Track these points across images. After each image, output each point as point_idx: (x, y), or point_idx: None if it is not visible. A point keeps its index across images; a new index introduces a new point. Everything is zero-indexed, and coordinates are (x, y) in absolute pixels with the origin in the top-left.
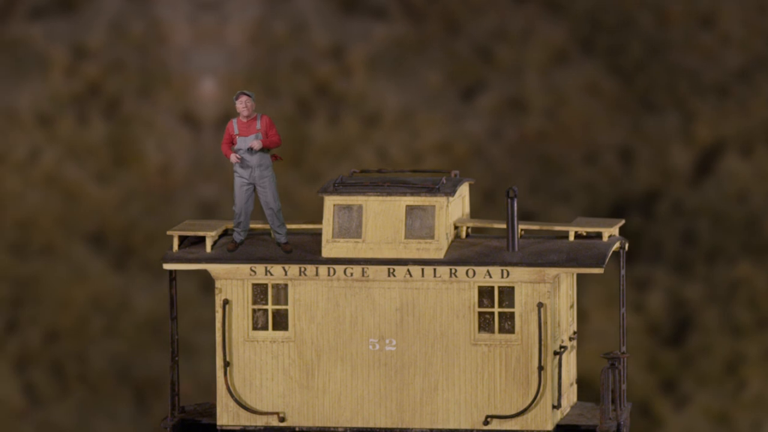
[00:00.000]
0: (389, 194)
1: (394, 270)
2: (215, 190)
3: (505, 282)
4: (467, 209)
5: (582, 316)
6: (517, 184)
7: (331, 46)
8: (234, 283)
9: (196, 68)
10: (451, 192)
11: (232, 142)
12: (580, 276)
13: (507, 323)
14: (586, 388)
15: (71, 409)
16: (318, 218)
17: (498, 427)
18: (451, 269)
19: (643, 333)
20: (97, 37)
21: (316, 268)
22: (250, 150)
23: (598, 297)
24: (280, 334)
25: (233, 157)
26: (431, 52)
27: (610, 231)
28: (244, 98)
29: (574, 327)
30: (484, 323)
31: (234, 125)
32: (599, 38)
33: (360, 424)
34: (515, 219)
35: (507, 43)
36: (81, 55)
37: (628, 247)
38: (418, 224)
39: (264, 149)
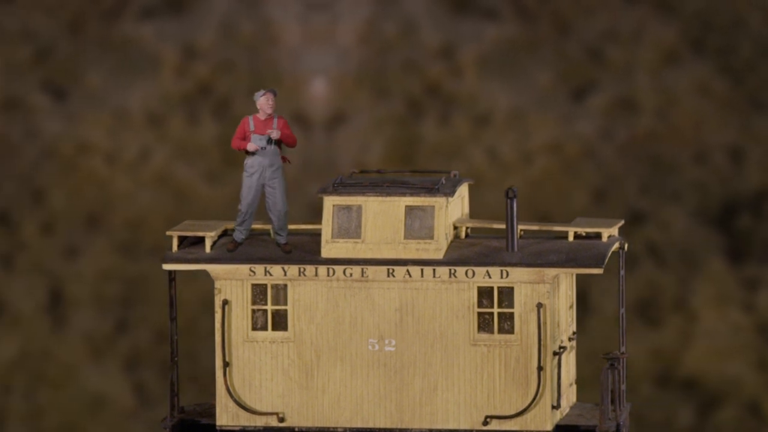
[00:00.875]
0: (388, 194)
1: (393, 270)
2: None
3: (504, 282)
4: (467, 209)
5: (692, 316)
6: (628, 185)
7: (441, 46)
8: (233, 283)
9: (306, 69)
10: (450, 192)
11: (245, 140)
12: (688, 272)
13: (506, 323)
14: (697, 388)
15: None
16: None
17: (497, 428)
18: (450, 269)
19: (754, 332)
20: (207, 37)
21: (316, 269)
22: (269, 140)
23: (709, 296)
24: (279, 334)
25: (251, 146)
26: (542, 53)
27: (610, 231)
28: (270, 96)
29: (574, 327)
30: (484, 323)
31: (250, 122)
32: (710, 38)
33: (359, 425)
34: (515, 219)
35: (618, 43)
36: (191, 55)
37: (628, 247)
38: (417, 224)
39: (278, 143)
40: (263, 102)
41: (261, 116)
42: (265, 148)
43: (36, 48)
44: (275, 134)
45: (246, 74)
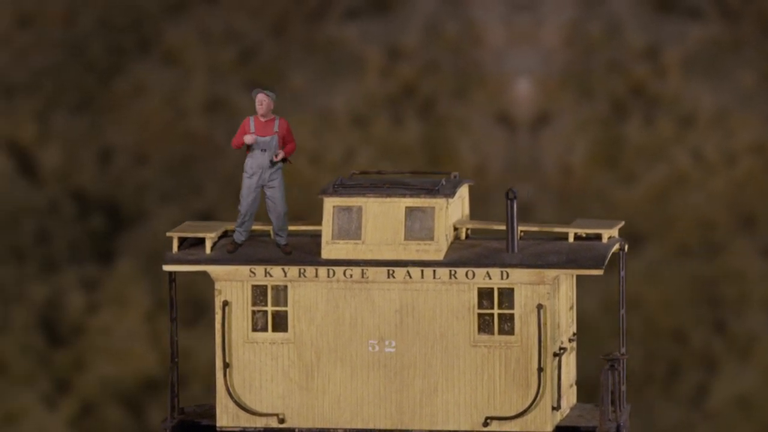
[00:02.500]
0: (389, 195)
1: (393, 271)
2: (531, 192)
3: (504, 283)
4: (467, 210)
5: None
6: None
7: (646, 47)
8: (233, 284)
9: (510, 69)
10: (450, 193)
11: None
12: None
13: (506, 325)
14: None
15: None
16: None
17: (497, 429)
18: (450, 271)
19: None
20: (411, 38)
21: (316, 270)
22: (271, 160)
23: None
24: (279, 335)
25: (248, 138)
26: (746, 52)
27: (610, 232)
28: (261, 97)
29: (574, 328)
30: (484, 325)
31: (251, 123)
32: None
33: (359, 426)
34: (515, 220)
35: None
36: (396, 56)
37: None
38: (417, 226)
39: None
40: (256, 104)
41: (260, 117)
42: (264, 150)
43: (240, 49)
44: (279, 156)
45: (450, 75)
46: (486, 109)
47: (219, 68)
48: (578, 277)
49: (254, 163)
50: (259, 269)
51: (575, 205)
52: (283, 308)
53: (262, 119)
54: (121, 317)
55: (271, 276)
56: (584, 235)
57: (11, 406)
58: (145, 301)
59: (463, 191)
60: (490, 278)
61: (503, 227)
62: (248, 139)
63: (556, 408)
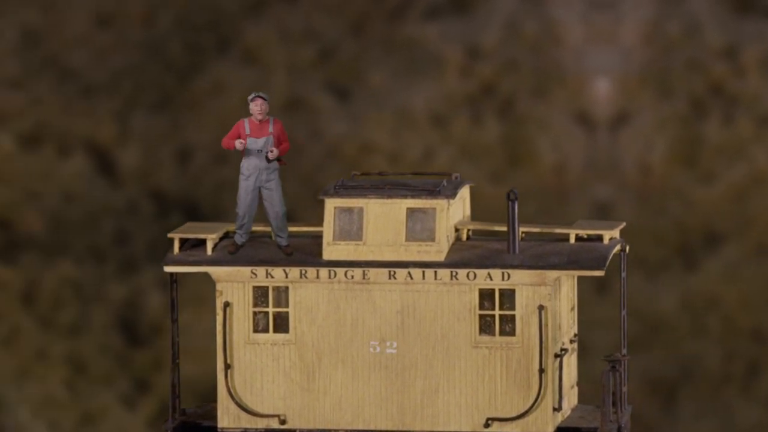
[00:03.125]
0: (390, 197)
1: (394, 272)
2: (610, 191)
3: (505, 284)
4: (468, 211)
5: None
6: None
7: (725, 46)
8: (235, 285)
9: (590, 68)
10: (451, 194)
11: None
12: None
13: (508, 326)
14: None
15: None
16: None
17: (499, 430)
18: (451, 272)
19: None
20: (491, 37)
21: (317, 271)
22: (266, 157)
23: None
24: (280, 336)
25: (239, 144)
26: None
27: (611, 233)
28: (259, 101)
29: (575, 329)
30: (485, 326)
31: (246, 125)
32: None
33: (361, 427)
34: (516, 221)
35: None
36: (475, 55)
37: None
38: (418, 227)
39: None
40: (252, 107)
41: (255, 120)
42: (260, 151)
43: (319, 48)
44: (272, 155)
45: (529, 74)
46: (565, 108)
47: (298, 67)
48: (652, 274)
49: (250, 164)
50: (261, 270)
51: (654, 204)
52: (285, 309)
53: (257, 121)
54: (199, 316)
55: (272, 277)
56: (585, 237)
57: (90, 406)
58: None
59: (464, 192)
60: (491, 279)
61: (504, 228)
62: (239, 145)
63: (558, 409)
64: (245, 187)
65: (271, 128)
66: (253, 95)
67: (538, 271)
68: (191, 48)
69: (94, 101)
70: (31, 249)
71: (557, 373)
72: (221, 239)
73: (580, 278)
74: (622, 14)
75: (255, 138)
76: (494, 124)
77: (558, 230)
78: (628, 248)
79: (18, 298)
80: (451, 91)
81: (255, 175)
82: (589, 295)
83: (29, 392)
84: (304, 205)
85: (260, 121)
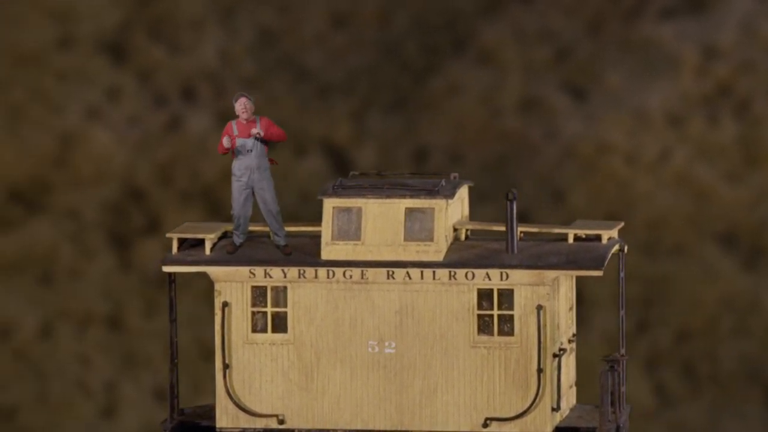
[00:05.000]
0: (388, 196)
1: (393, 272)
2: None
3: (504, 284)
4: (466, 211)
5: None
6: None
7: None
8: (233, 285)
9: None
10: (450, 194)
11: (231, 143)
12: None
13: (506, 326)
14: None
15: (702, 409)
16: None
17: (497, 430)
18: (450, 272)
19: None
20: (727, 37)
21: (316, 271)
22: (256, 139)
23: None
24: (279, 336)
25: (225, 141)
26: None
27: (610, 233)
28: (243, 100)
29: (574, 329)
30: (484, 326)
31: (233, 127)
32: None
33: (359, 426)
34: (514, 221)
35: None
36: (711, 55)
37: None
38: (417, 226)
39: (264, 143)
40: (237, 108)
41: (242, 120)
42: (250, 150)
43: (556, 48)
44: (259, 133)
45: (766, 74)
46: None
47: (534, 67)
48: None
49: (241, 164)
50: (259, 270)
51: None
52: (283, 309)
53: (244, 121)
54: None
55: (270, 277)
56: (584, 236)
57: None
58: None
59: (463, 192)
60: (489, 279)
61: (503, 228)
62: (226, 142)
63: (556, 409)
64: (237, 187)
65: (258, 127)
66: (236, 95)
67: (537, 271)
68: (426, 48)
69: (330, 101)
70: None
71: (556, 373)
72: (220, 239)
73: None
74: None
75: (243, 138)
76: (730, 125)
77: (556, 230)
78: (626, 248)
79: None
80: (687, 91)
81: (247, 175)
82: None
83: None
84: (538, 205)
85: (247, 120)
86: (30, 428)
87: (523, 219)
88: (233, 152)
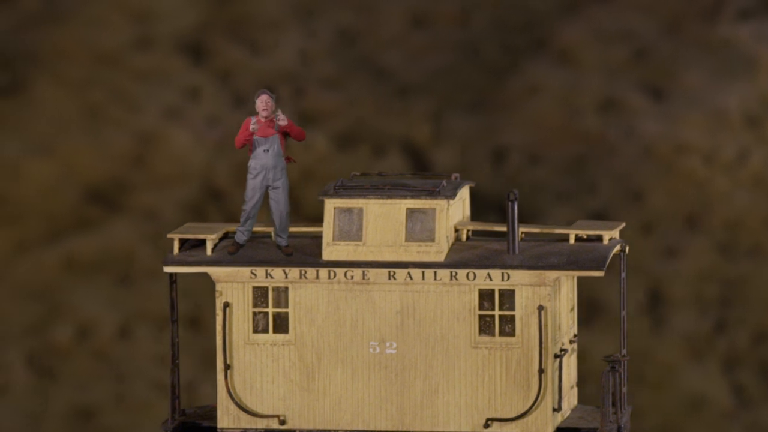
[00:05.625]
0: (390, 197)
1: (394, 273)
2: None
3: (505, 285)
4: (468, 212)
5: None
6: None
7: None
8: (234, 286)
9: None
10: (451, 195)
11: (248, 139)
12: None
13: (507, 326)
14: None
15: None
16: None
17: (498, 430)
18: (451, 272)
19: None
20: None
21: (317, 271)
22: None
23: None
24: (280, 337)
25: (252, 125)
26: None
27: (611, 234)
28: (264, 97)
29: (575, 330)
30: (485, 326)
31: (253, 123)
32: None
33: (360, 427)
34: (516, 222)
35: None
36: None
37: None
38: (418, 227)
39: (284, 135)
40: (258, 104)
41: (261, 118)
42: (267, 150)
43: (635, 48)
44: (282, 121)
45: None
46: None
47: (612, 67)
48: None
49: (258, 163)
50: (260, 271)
51: None
52: (284, 310)
53: (263, 119)
54: None
55: (272, 277)
56: (585, 237)
57: None
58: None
59: (464, 193)
60: (491, 280)
61: (504, 229)
62: (253, 126)
63: (557, 409)
64: (252, 185)
65: (276, 126)
66: (258, 92)
67: (538, 272)
68: (506, 48)
69: (409, 101)
70: None
71: (557, 373)
72: (221, 240)
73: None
74: None
75: (262, 137)
76: None
77: (558, 230)
78: (627, 248)
79: None
80: (765, 92)
81: (262, 174)
82: None
83: None
84: (620, 205)
85: (266, 118)
86: (109, 428)
87: (601, 218)
88: (250, 148)
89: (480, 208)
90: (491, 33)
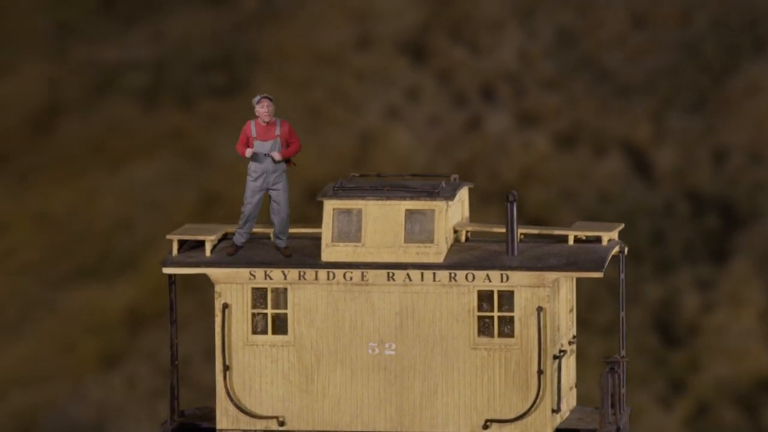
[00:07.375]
0: (389, 198)
1: (393, 274)
2: None
3: (504, 286)
4: (466, 213)
5: None
6: None
7: None
8: (233, 287)
9: None
10: (450, 196)
11: (248, 144)
12: None
13: (506, 327)
14: None
15: None
16: None
17: (497, 431)
18: (450, 273)
19: None
20: None
21: (316, 272)
22: (270, 157)
23: None
24: (279, 338)
25: (248, 152)
26: None
27: (610, 235)
28: (266, 102)
29: (574, 331)
30: (484, 327)
31: (252, 128)
32: None
33: (359, 428)
34: (515, 223)
35: None
36: None
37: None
38: (417, 228)
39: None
40: (258, 109)
41: (261, 122)
42: (267, 155)
43: None
44: (277, 156)
45: None
46: None
47: None
48: None
49: (258, 166)
50: (259, 272)
51: None
52: (283, 311)
53: (264, 123)
54: (736, 317)
55: (271, 279)
56: (584, 238)
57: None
58: (759, 300)
59: (463, 194)
60: (490, 281)
61: (503, 230)
62: (248, 153)
63: (556, 411)
64: (252, 188)
65: (278, 130)
66: (258, 97)
67: (537, 273)
68: (727, 48)
69: (630, 102)
70: None
71: (556, 374)
72: (220, 241)
73: None
74: None
75: (262, 141)
76: None
77: (557, 232)
78: (626, 249)
79: None
80: None
81: (263, 178)
82: None
83: None
84: None
85: (267, 123)
86: None
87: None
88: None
89: (702, 209)
90: (712, 33)
